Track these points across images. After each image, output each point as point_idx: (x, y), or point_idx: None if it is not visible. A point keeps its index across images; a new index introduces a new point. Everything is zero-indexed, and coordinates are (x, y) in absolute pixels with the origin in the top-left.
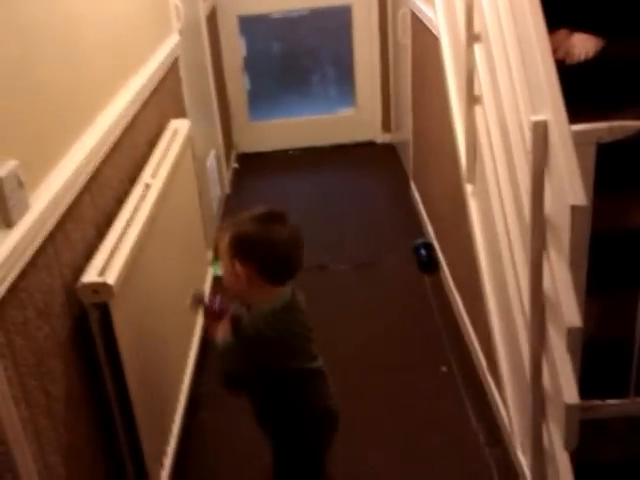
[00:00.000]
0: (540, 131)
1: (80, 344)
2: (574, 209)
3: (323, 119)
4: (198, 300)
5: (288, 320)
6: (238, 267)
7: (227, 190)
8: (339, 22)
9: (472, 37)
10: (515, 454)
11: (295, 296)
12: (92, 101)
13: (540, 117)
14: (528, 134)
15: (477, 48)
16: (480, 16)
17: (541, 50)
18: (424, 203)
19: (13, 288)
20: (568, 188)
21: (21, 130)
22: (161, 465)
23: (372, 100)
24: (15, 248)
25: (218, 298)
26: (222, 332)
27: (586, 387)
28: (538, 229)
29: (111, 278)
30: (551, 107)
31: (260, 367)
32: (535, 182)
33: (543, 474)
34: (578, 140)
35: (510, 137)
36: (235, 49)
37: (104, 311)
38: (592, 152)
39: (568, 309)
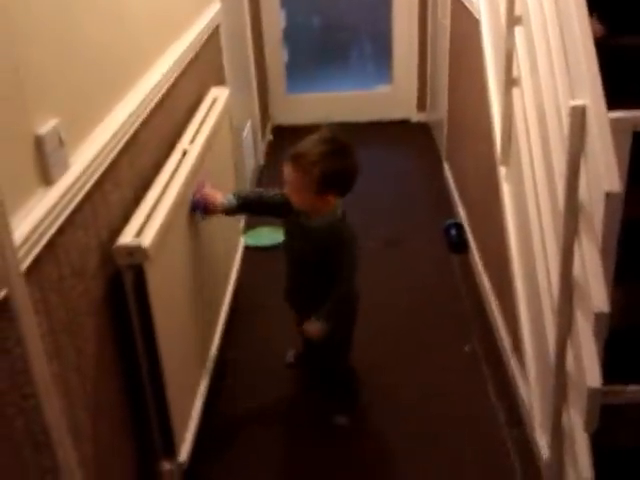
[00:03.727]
0: (578, 116)
1: (112, 304)
2: (609, 196)
3: (359, 95)
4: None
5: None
6: (328, 195)
7: (261, 161)
8: None
9: (513, 20)
10: (533, 434)
11: None
12: (135, 64)
13: (579, 102)
14: (566, 118)
15: (517, 31)
16: None
17: (582, 35)
18: (456, 183)
19: (50, 244)
20: (604, 174)
21: (64, 88)
22: (186, 428)
23: (408, 78)
24: (54, 206)
25: (196, 192)
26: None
27: (606, 372)
28: (571, 214)
29: (147, 241)
30: (590, 92)
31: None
32: (571, 167)
33: (561, 454)
34: (615, 127)
35: (547, 121)
36: (275, 20)
37: (138, 273)
38: (628, 140)
39: (597, 295)
